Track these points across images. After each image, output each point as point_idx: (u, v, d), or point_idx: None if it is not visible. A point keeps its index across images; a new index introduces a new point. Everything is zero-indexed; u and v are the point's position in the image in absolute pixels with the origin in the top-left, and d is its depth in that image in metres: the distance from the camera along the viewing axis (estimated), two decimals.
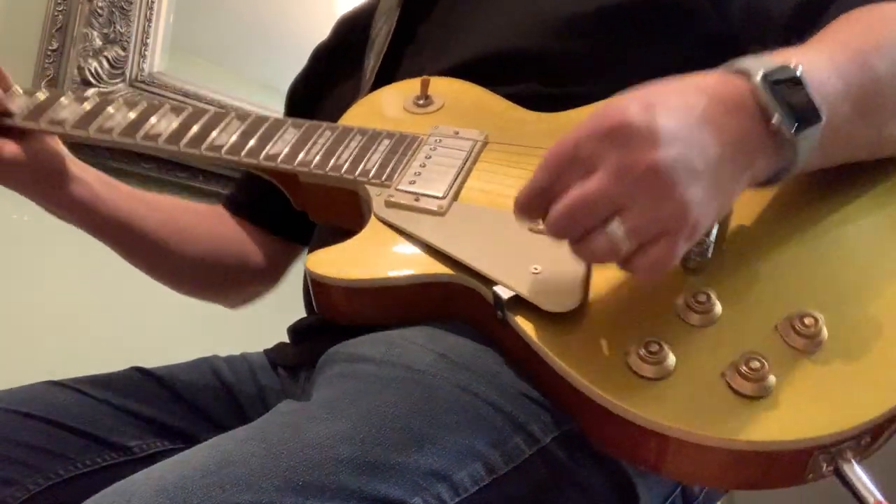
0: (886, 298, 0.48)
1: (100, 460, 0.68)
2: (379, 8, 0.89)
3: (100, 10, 1.31)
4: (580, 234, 0.45)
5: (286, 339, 0.85)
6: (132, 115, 0.72)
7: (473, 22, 0.79)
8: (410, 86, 0.74)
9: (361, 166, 0.65)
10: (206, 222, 0.92)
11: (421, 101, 0.73)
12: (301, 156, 0.67)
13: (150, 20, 1.37)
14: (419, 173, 0.63)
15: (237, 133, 0.69)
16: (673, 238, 0.43)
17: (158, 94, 1.36)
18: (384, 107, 0.75)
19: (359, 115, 0.75)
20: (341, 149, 0.67)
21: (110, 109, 0.72)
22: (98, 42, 1.31)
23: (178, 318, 1.25)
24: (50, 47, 1.28)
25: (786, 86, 0.45)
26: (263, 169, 0.68)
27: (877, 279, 0.50)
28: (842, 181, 0.55)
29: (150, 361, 0.80)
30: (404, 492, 0.43)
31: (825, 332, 0.46)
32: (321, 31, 1.00)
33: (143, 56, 1.36)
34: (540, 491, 0.50)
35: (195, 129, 0.70)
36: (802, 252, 0.52)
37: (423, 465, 0.44)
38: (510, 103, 0.70)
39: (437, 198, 0.61)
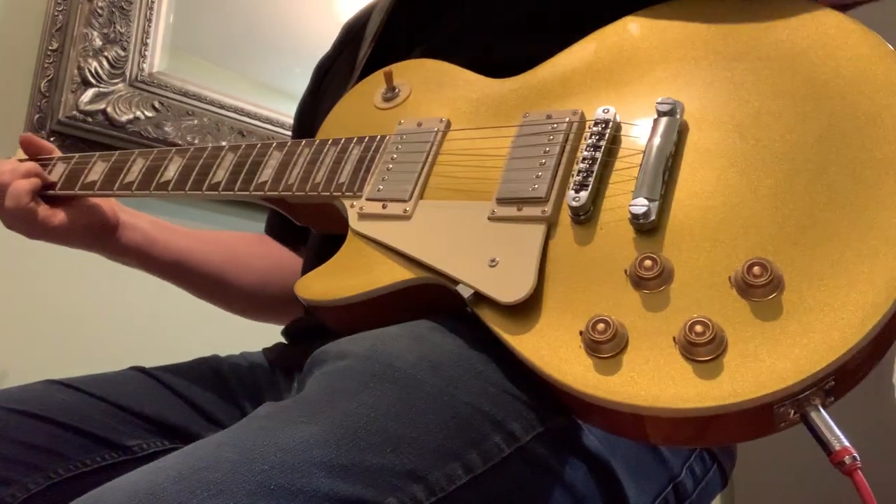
0: (837, 231, 0.46)
1: (100, 459, 0.68)
2: (377, 7, 0.90)
3: (100, 10, 1.31)
4: None
5: (284, 340, 0.85)
6: (147, 165, 0.77)
7: (454, 5, 0.79)
8: (377, 80, 0.74)
9: (335, 181, 0.66)
10: (261, 248, 0.96)
11: (388, 95, 0.72)
12: (284, 180, 0.68)
13: (150, 20, 1.37)
14: (385, 178, 0.64)
15: (231, 167, 0.72)
16: None
17: (158, 94, 1.36)
18: (356, 109, 0.75)
19: (334, 123, 0.76)
20: (317, 165, 0.68)
21: (129, 163, 0.78)
22: (98, 42, 1.31)
23: (178, 317, 1.26)
24: (50, 47, 1.28)
25: None
26: (257, 198, 0.71)
27: (825, 211, 0.47)
28: (772, 111, 0.53)
29: (150, 361, 0.81)
30: (378, 492, 0.43)
31: (779, 278, 0.45)
32: (321, 31, 1.00)
33: (143, 56, 1.36)
34: (521, 490, 0.50)
35: (196, 170, 0.74)
36: (748, 196, 0.50)
37: (398, 465, 0.44)
38: (474, 75, 0.69)
39: (402, 201, 0.61)
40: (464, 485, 0.46)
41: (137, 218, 0.86)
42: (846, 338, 0.42)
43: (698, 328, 0.44)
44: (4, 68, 1.26)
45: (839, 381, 0.43)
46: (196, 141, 1.39)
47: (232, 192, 0.71)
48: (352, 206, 0.64)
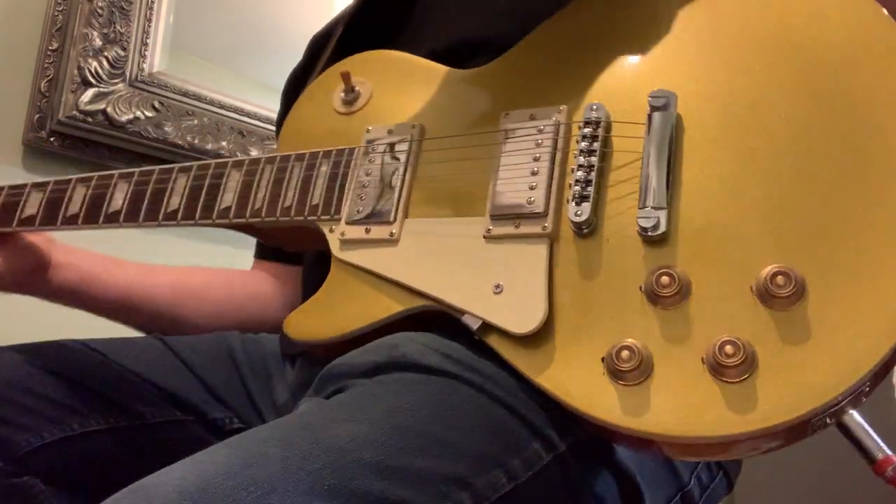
0: (851, 230, 0.44)
1: (112, 420, 0.71)
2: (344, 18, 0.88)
3: (100, 10, 1.31)
4: None
5: None
6: (89, 194, 0.70)
7: (434, 14, 0.77)
8: (333, 79, 0.68)
9: (308, 203, 0.61)
10: (217, 279, 0.90)
11: (348, 96, 0.67)
12: (250, 205, 0.63)
13: (150, 20, 1.36)
14: (363, 197, 0.59)
15: (186, 191, 0.66)
16: None
17: (158, 94, 1.36)
18: (314, 114, 0.69)
19: (293, 133, 0.70)
20: (284, 186, 0.62)
21: (69, 193, 0.71)
22: (98, 42, 1.31)
23: None
24: (50, 47, 1.27)
25: None
26: (221, 226, 0.66)
27: (837, 208, 0.44)
28: (769, 98, 0.50)
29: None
30: (427, 498, 0.42)
31: (802, 287, 0.42)
32: None
33: (143, 56, 1.36)
34: (556, 500, 0.48)
35: (147, 198, 0.67)
36: (757, 195, 0.47)
37: (444, 471, 0.43)
38: (438, 65, 0.65)
39: (387, 223, 0.57)
40: (507, 493, 0.45)
41: (72, 255, 0.78)
42: (879, 344, 0.40)
43: (728, 349, 0.42)
44: (4, 68, 1.26)
45: (872, 384, 0.42)
46: (196, 141, 1.39)
47: (193, 221, 0.65)
48: (331, 230, 0.59)
